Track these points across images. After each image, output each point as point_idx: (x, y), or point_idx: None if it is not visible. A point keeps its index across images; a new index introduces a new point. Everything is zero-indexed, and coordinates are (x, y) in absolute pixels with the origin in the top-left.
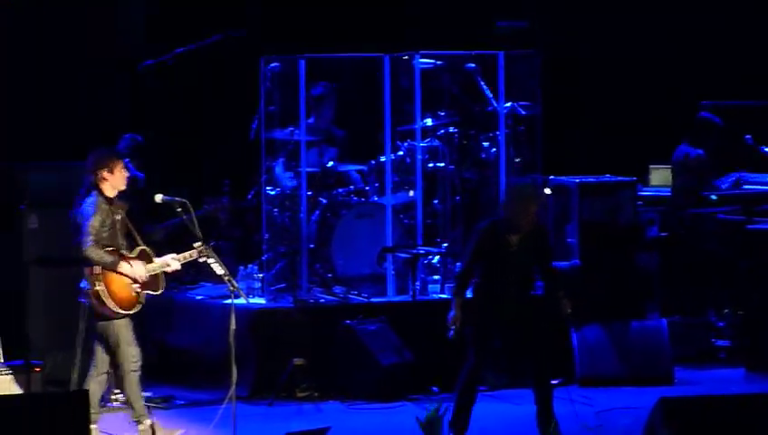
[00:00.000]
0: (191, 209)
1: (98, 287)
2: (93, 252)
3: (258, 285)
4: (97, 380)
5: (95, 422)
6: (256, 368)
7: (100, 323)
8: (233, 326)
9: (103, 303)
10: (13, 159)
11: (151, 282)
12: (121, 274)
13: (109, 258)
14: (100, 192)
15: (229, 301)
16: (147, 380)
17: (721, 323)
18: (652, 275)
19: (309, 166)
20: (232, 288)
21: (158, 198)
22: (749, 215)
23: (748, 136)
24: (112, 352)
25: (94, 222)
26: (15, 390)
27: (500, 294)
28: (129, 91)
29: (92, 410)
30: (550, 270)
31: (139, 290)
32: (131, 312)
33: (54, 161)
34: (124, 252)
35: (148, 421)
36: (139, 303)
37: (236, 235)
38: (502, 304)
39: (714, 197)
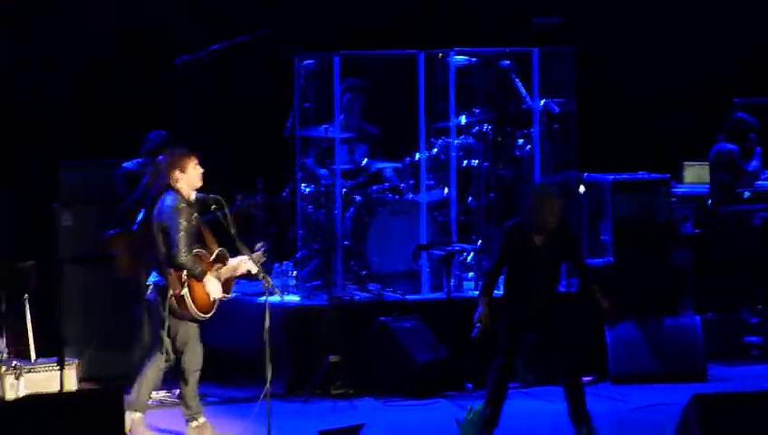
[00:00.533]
0: (225, 206)
1: (183, 292)
2: (188, 260)
3: (293, 282)
4: (159, 368)
5: (143, 411)
6: (291, 365)
7: (175, 321)
8: (267, 323)
9: (185, 306)
10: (46, 156)
11: (223, 285)
12: (203, 284)
13: (198, 268)
14: (178, 192)
15: (264, 298)
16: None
17: (754, 320)
18: (686, 273)
19: (340, 163)
20: (267, 285)
21: (193, 195)
22: None
23: None
24: (179, 350)
25: (182, 227)
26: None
27: (526, 292)
28: (165, 87)
29: (147, 399)
30: (581, 266)
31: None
32: (209, 316)
33: (88, 159)
34: (206, 254)
35: (201, 419)
36: (215, 307)
37: (271, 232)
38: (528, 302)
39: (747, 194)
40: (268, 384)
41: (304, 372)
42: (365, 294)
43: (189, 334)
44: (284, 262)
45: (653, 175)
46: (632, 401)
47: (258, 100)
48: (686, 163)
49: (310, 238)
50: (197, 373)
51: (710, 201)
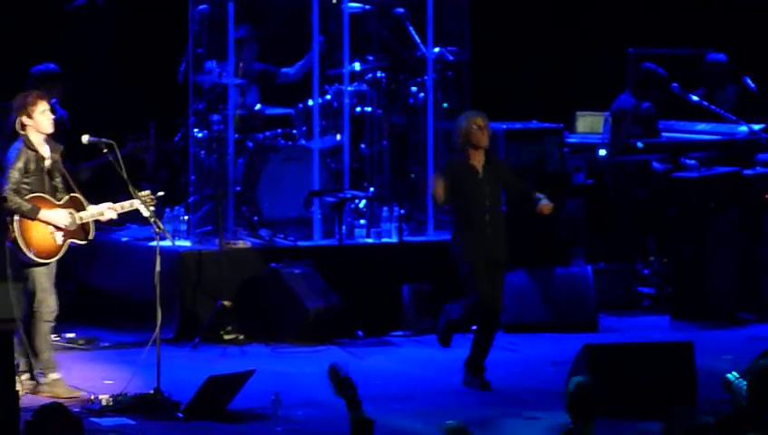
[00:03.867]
0: (117, 150)
1: (14, 234)
2: (10, 200)
3: (184, 227)
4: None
5: (55, 369)
6: (181, 310)
7: (23, 267)
8: (158, 268)
9: (20, 249)
10: None
11: (78, 230)
12: (43, 221)
13: (26, 206)
14: (25, 138)
15: (155, 243)
16: (70, 321)
17: (646, 271)
18: (578, 222)
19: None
20: (158, 230)
21: (85, 138)
22: (675, 163)
23: (675, 84)
24: (31, 297)
25: (14, 170)
26: None
27: (478, 220)
28: (58, 30)
29: (47, 354)
30: (521, 184)
31: (62, 239)
32: (50, 260)
33: None
34: (49, 198)
35: (55, 375)
36: (61, 251)
37: (163, 177)
38: (482, 232)
39: (640, 145)
40: (158, 329)
41: (194, 318)
42: (256, 240)
43: (36, 280)
44: (176, 207)
45: (546, 124)
46: (523, 351)
47: (151, 44)
48: (578, 113)
49: (202, 184)
50: (49, 324)
51: (606, 151)
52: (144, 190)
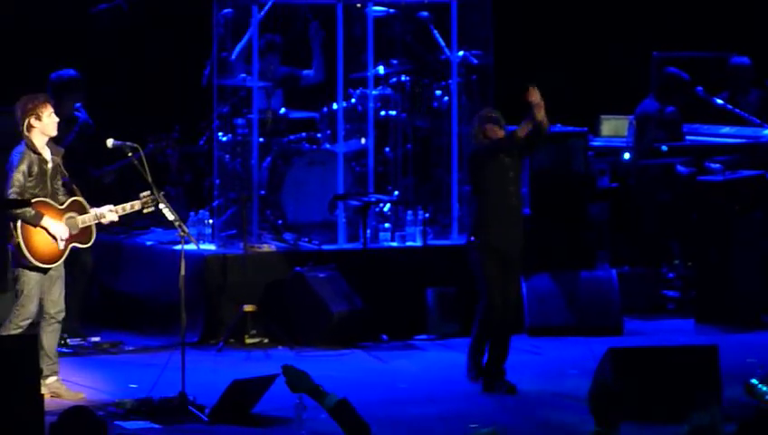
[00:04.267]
0: (142, 153)
1: (17, 239)
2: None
3: (209, 230)
4: (48, 329)
5: (56, 373)
6: (206, 314)
7: (16, 269)
8: (183, 272)
9: (22, 253)
10: None
11: (80, 234)
12: (44, 228)
13: (30, 212)
14: (29, 140)
15: (179, 246)
16: (95, 324)
17: (671, 275)
18: (602, 226)
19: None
20: (182, 234)
21: (110, 142)
22: (700, 166)
23: (700, 88)
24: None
25: (18, 174)
26: None
27: (503, 207)
28: (81, 34)
29: (51, 362)
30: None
31: (64, 244)
32: (52, 265)
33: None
34: (52, 202)
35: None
36: (63, 256)
37: (187, 180)
38: (508, 218)
39: (664, 148)
40: (183, 333)
41: (219, 321)
42: (281, 244)
43: (25, 284)
44: (200, 210)
45: (570, 128)
46: (547, 354)
47: (176, 48)
48: (602, 116)
49: (226, 187)
50: (17, 331)
51: (630, 155)
52: (145, 192)
